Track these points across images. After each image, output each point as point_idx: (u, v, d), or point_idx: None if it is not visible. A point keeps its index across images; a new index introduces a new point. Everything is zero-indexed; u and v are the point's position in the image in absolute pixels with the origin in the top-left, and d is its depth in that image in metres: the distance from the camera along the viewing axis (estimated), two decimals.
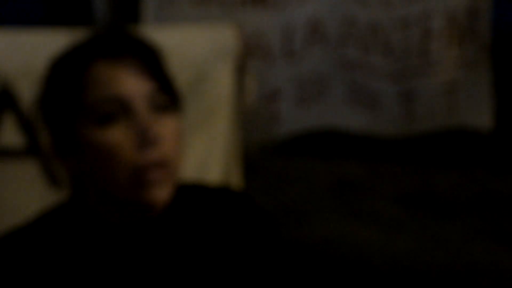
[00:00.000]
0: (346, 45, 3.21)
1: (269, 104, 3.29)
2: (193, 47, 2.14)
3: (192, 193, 1.34)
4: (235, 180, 2.22)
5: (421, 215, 3.98)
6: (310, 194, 4.11)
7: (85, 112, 1.23)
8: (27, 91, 1.80)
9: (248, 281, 1.31)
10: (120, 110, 1.21)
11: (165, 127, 1.23)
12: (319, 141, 3.84)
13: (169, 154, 1.23)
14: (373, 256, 3.63)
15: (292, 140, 3.52)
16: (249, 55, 3.57)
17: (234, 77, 2.25)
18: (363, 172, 4.17)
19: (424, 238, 3.79)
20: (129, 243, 1.27)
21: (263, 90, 3.25)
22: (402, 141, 3.60)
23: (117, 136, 1.21)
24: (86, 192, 1.28)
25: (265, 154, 3.46)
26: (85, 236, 1.26)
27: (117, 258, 1.26)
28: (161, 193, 1.22)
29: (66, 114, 1.24)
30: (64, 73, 1.26)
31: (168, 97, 1.26)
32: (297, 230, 3.64)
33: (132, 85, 1.23)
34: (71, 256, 1.25)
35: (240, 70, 2.29)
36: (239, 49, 2.25)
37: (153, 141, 1.21)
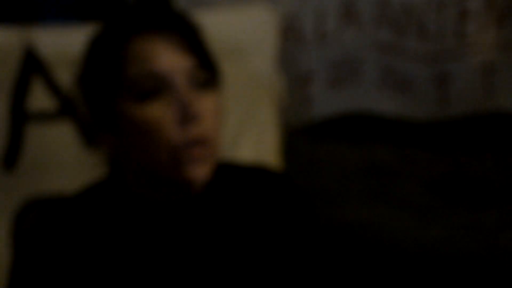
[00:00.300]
0: (379, 27, 3.17)
1: (301, 86, 3.27)
2: (231, 27, 2.12)
3: (230, 172, 1.33)
4: (273, 161, 2.20)
5: (454, 201, 3.93)
6: (340, 179, 4.07)
7: (125, 88, 1.22)
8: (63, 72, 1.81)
9: (285, 261, 1.30)
10: (160, 86, 1.20)
11: (205, 104, 1.22)
12: (350, 124, 3.79)
13: (209, 132, 1.22)
14: (404, 242, 3.59)
15: (323, 124, 3.49)
16: (281, 36, 3.55)
17: (273, 58, 2.23)
18: (394, 157, 4.13)
19: (457, 225, 3.74)
20: (167, 221, 1.26)
21: (295, 72, 3.23)
22: (436, 125, 3.55)
23: (157, 112, 1.20)
24: (125, 169, 1.27)
25: (295, 137, 3.42)
26: (123, 214, 1.26)
27: (155, 236, 1.25)
28: (201, 171, 1.21)
29: (105, 90, 1.24)
30: (104, 49, 1.25)
31: (208, 73, 1.25)
32: (327, 214, 3.61)
33: (173, 60, 1.22)
34: (109, 234, 1.25)
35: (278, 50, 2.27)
36: (276, 30, 2.24)
37: (193, 118, 1.20)
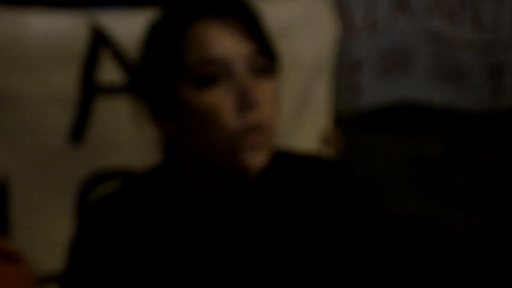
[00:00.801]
0: (431, 16, 3.13)
1: (350, 76, 3.25)
2: (286, 15, 2.11)
3: (286, 161, 1.32)
4: (328, 151, 2.19)
5: (502, 195, 3.88)
6: (387, 170, 4.05)
7: (184, 74, 1.21)
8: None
9: (340, 250, 1.29)
10: (219, 72, 1.19)
11: (263, 91, 1.21)
12: (399, 115, 3.77)
13: (267, 119, 1.21)
14: (450, 235, 3.56)
15: (371, 113, 3.46)
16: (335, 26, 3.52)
17: (330, 45, 2.21)
18: (443, 148, 4.09)
19: (505, 218, 3.69)
20: (222, 207, 1.25)
21: (344, 61, 3.21)
22: (487, 117, 3.50)
23: (216, 98, 1.19)
24: (181, 155, 1.27)
25: (343, 127, 3.41)
26: (178, 200, 1.26)
27: (210, 222, 1.25)
28: (258, 158, 1.20)
29: (164, 76, 1.23)
30: (163, 34, 1.25)
31: (267, 60, 1.24)
32: (373, 205, 3.58)
33: (232, 46, 1.21)
34: (165, 220, 1.25)
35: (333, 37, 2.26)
36: (331, 18, 2.22)
37: (253, 104, 1.19)
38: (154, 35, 1.27)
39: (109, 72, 1.81)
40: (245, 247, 1.25)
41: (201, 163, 1.24)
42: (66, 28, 1.77)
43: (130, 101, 1.71)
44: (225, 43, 1.21)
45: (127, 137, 1.81)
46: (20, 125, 1.73)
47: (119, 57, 1.83)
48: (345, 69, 3.21)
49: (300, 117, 2.13)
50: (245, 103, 1.19)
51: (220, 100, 1.19)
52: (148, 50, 1.27)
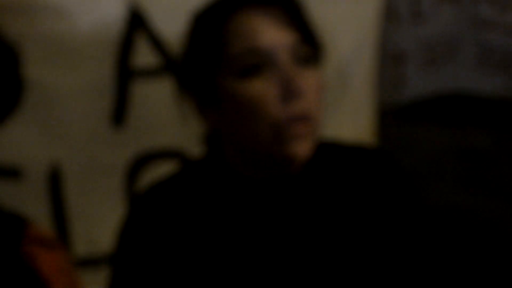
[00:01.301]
0: (478, 4, 3.06)
1: (394, 67, 3.20)
2: (325, 5, 2.05)
3: (331, 151, 1.29)
4: (368, 140, 2.16)
5: None
6: (432, 163, 3.98)
7: (227, 64, 1.20)
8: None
9: (389, 244, 1.26)
10: (262, 62, 1.17)
11: (308, 81, 1.19)
12: (445, 105, 3.70)
13: (311, 108, 1.19)
14: (498, 229, 3.48)
15: (416, 104, 3.41)
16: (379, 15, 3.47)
17: (374, 34, 2.17)
18: (491, 140, 4.00)
19: None
20: (268, 199, 1.24)
21: (388, 52, 3.16)
22: None
23: (260, 88, 1.18)
24: (225, 146, 1.26)
25: (387, 118, 3.35)
26: (222, 191, 1.25)
27: (254, 214, 1.24)
28: (303, 148, 1.18)
29: (207, 66, 1.22)
30: (206, 25, 1.23)
31: (311, 49, 1.21)
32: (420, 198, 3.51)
33: (276, 36, 1.19)
34: (210, 212, 1.24)
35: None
36: (375, 8, 2.16)
37: (297, 94, 1.17)
38: (197, 25, 1.26)
39: (145, 55, 1.83)
40: (289, 240, 1.23)
41: (245, 154, 1.23)
42: (103, 13, 1.80)
43: (167, 83, 1.81)
44: (269, 33, 1.20)
45: (166, 119, 1.84)
46: (66, 115, 1.79)
47: (155, 40, 1.84)
48: (388, 60, 3.17)
49: (340, 109, 2.08)
50: (289, 92, 1.17)
51: (264, 90, 1.18)
52: (191, 40, 1.26)
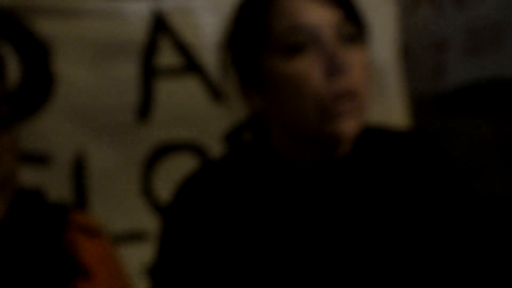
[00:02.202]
0: None
1: (435, 54, 3.12)
2: None
3: (378, 135, 1.30)
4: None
5: None
6: (474, 152, 3.89)
7: (272, 44, 1.21)
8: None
9: (439, 230, 1.24)
10: (307, 40, 1.18)
11: (352, 58, 1.20)
12: (486, 94, 3.60)
13: (357, 85, 1.19)
14: None
15: (457, 93, 3.32)
16: (416, 3, 3.39)
17: (396, 23, 2.19)
18: None
19: None
20: (315, 183, 1.24)
21: (429, 39, 3.09)
22: None
23: (305, 66, 1.19)
24: (271, 130, 1.27)
25: (427, 106, 3.27)
26: (269, 176, 1.26)
27: (302, 198, 1.24)
28: (349, 125, 1.18)
29: (252, 46, 1.24)
30: (251, 4, 1.26)
31: (355, 27, 1.22)
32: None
33: (320, 14, 1.20)
34: (256, 196, 1.25)
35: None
36: None
37: (341, 69, 1.17)
38: (243, 5, 1.28)
39: (168, 57, 1.98)
40: (336, 224, 1.23)
41: (291, 136, 1.25)
42: (129, 16, 1.97)
43: (191, 80, 1.96)
44: (313, 11, 1.21)
45: (189, 115, 1.98)
46: (93, 107, 1.93)
47: (178, 43, 1.98)
48: (429, 48, 3.09)
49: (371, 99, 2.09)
50: (333, 68, 1.18)
51: (309, 67, 1.19)
52: (237, 21, 1.29)
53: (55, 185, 1.89)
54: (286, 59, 1.19)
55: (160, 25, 1.96)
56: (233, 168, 1.27)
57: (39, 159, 1.91)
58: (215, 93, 1.96)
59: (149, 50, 1.96)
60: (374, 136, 1.28)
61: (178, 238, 1.23)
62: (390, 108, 2.16)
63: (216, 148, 1.95)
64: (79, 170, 1.93)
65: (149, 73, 1.96)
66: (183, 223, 1.23)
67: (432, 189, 1.25)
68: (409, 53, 3.17)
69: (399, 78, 2.23)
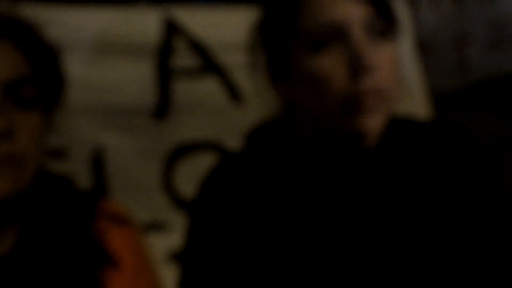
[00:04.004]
0: None
1: (457, 49, 3.12)
2: None
3: (406, 127, 1.31)
4: None
5: None
6: (494, 149, 3.86)
7: (300, 38, 1.23)
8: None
9: (468, 226, 1.25)
10: (335, 36, 1.20)
11: (382, 54, 1.21)
12: (509, 90, 3.59)
13: (384, 83, 1.21)
14: None
15: (479, 89, 3.32)
16: None
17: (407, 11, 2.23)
18: None
19: None
20: (341, 173, 1.26)
21: (451, 34, 3.09)
22: None
23: (330, 63, 1.20)
24: (298, 119, 1.29)
25: (448, 102, 3.27)
26: (297, 165, 1.27)
27: (329, 188, 1.26)
28: (373, 122, 1.20)
29: (281, 39, 1.26)
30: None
31: (386, 22, 1.23)
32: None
33: (349, 9, 1.22)
34: (283, 185, 1.27)
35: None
36: None
37: (367, 69, 1.19)
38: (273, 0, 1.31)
39: (185, 58, 2.06)
40: (363, 215, 1.24)
41: (316, 127, 1.25)
42: (141, 23, 2.07)
43: (208, 81, 2.03)
44: (342, 6, 1.21)
45: (206, 114, 2.05)
46: (112, 106, 2.03)
47: (194, 43, 2.06)
48: (451, 42, 3.09)
49: None
50: (359, 68, 1.19)
51: (333, 64, 1.20)
52: (267, 13, 1.31)
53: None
54: (312, 54, 1.21)
55: (172, 29, 2.05)
56: (258, 159, 1.29)
57: (58, 153, 1.98)
58: (234, 93, 2.05)
59: (164, 52, 2.04)
60: (402, 127, 1.30)
61: (206, 230, 1.26)
62: (411, 104, 2.19)
63: (235, 146, 1.99)
64: (96, 166, 2.00)
65: (166, 74, 2.05)
66: (210, 215, 1.26)
67: (459, 181, 1.27)
68: (430, 48, 3.18)
69: (419, 73, 2.23)
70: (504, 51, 3.04)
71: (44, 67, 1.24)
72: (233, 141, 2.06)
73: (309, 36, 1.21)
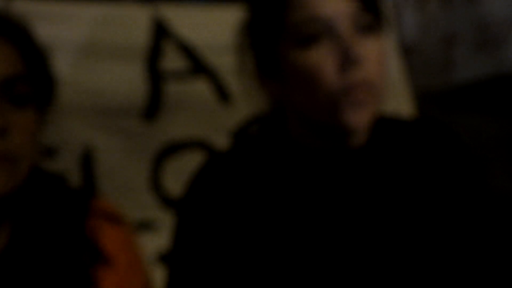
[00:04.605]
0: None
1: (443, 50, 3.14)
2: None
3: (393, 125, 1.32)
4: None
5: None
6: (480, 150, 3.88)
7: (288, 33, 1.24)
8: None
9: (457, 225, 1.26)
10: (323, 31, 1.21)
11: (369, 49, 1.22)
12: (495, 91, 3.62)
13: (372, 76, 1.22)
14: None
15: (464, 90, 3.34)
16: None
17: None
18: None
19: None
20: (330, 171, 1.27)
21: (438, 35, 3.11)
22: None
23: (318, 57, 1.21)
24: (286, 116, 1.30)
25: (432, 103, 3.29)
26: (285, 162, 1.28)
27: (318, 186, 1.26)
28: (361, 116, 1.21)
29: (269, 36, 1.27)
30: None
31: (373, 17, 1.24)
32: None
33: (336, 4, 1.23)
34: (271, 183, 1.27)
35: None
36: None
37: (355, 61, 1.20)
38: None
39: (173, 61, 2.09)
40: (351, 213, 1.25)
41: (306, 124, 1.26)
42: (130, 23, 2.10)
43: (198, 82, 2.03)
44: (329, 2, 1.22)
45: (195, 114, 2.09)
46: (101, 107, 2.07)
47: (183, 45, 2.09)
48: (437, 43, 3.11)
49: None
50: (347, 61, 1.20)
51: (322, 59, 1.21)
52: (254, 10, 1.31)
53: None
54: (300, 50, 1.22)
55: (161, 31, 2.08)
56: (247, 158, 1.29)
57: (48, 152, 2.00)
58: (222, 94, 2.08)
59: (153, 55, 2.08)
60: (389, 125, 1.31)
61: (194, 229, 1.26)
62: (395, 103, 2.19)
63: (223, 145, 2.00)
64: (86, 165, 2.04)
65: (155, 76, 2.08)
66: (198, 214, 1.26)
67: (446, 177, 1.28)
68: (417, 49, 3.19)
69: (403, 73, 2.25)
70: (490, 52, 3.06)
71: (38, 65, 1.25)
72: (221, 140, 2.10)
73: (297, 32, 1.22)
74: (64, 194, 1.28)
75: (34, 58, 1.24)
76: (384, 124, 1.30)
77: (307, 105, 1.24)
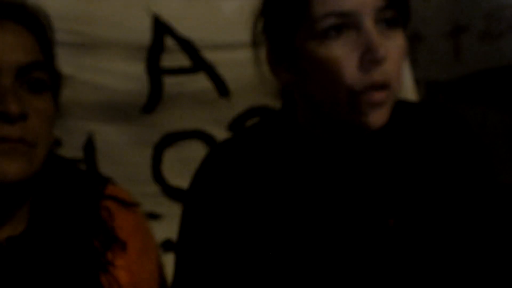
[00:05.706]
0: None
1: (450, 40, 3.15)
2: None
3: (403, 109, 1.32)
4: None
5: None
6: (486, 140, 3.90)
7: (308, 25, 1.22)
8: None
9: (468, 213, 1.28)
10: (345, 24, 1.20)
11: (392, 45, 1.21)
12: (501, 82, 3.63)
13: (392, 75, 1.21)
14: None
15: (470, 80, 3.35)
16: None
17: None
18: None
19: None
20: (340, 159, 1.27)
21: (444, 24, 3.12)
22: None
23: (340, 52, 1.19)
24: (298, 107, 1.29)
25: (439, 94, 3.31)
26: (292, 151, 1.28)
27: (327, 174, 1.26)
28: (380, 116, 1.20)
29: (288, 25, 1.24)
30: None
31: (396, 12, 1.22)
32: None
33: None
34: (279, 171, 1.27)
35: None
36: None
37: (379, 61, 1.18)
38: None
39: (174, 58, 2.11)
40: (362, 201, 1.25)
41: (318, 115, 1.25)
42: (130, 17, 2.10)
43: (198, 79, 2.05)
44: None
45: (194, 110, 2.11)
46: (102, 98, 2.09)
47: (182, 42, 2.11)
48: (444, 33, 3.12)
49: None
50: (371, 59, 1.18)
51: (344, 53, 1.19)
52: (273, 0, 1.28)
53: None
54: (321, 42, 1.20)
55: (161, 28, 2.09)
56: (254, 147, 1.29)
57: (55, 142, 2.03)
58: (222, 89, 2.09)
59: (154, 52, 2.09)
60: (400, 110, 1.30)
61: (202, 220, 1.26)
62: (400, 93, 2.20)
63: (223, 136, 2.02)
64: (88, 153, 2.07)
65: (156, 72, 2.10)
66: (206, 204, 1.26)
67: (455, 164, 1.29)
68: (422, 39, 3.21)
69: (407, 62, 2.24)
70: (497, 43, 3.07)
71: (52, 53, 1.28)
72: (222, 131, 2.11)
73: (318, 24, 1.20)
74: (79, 178, 1.31)
75: (49, 46, 1.27)
76: (395, 108, 1.28)
77: (323, 99, 1.22)
